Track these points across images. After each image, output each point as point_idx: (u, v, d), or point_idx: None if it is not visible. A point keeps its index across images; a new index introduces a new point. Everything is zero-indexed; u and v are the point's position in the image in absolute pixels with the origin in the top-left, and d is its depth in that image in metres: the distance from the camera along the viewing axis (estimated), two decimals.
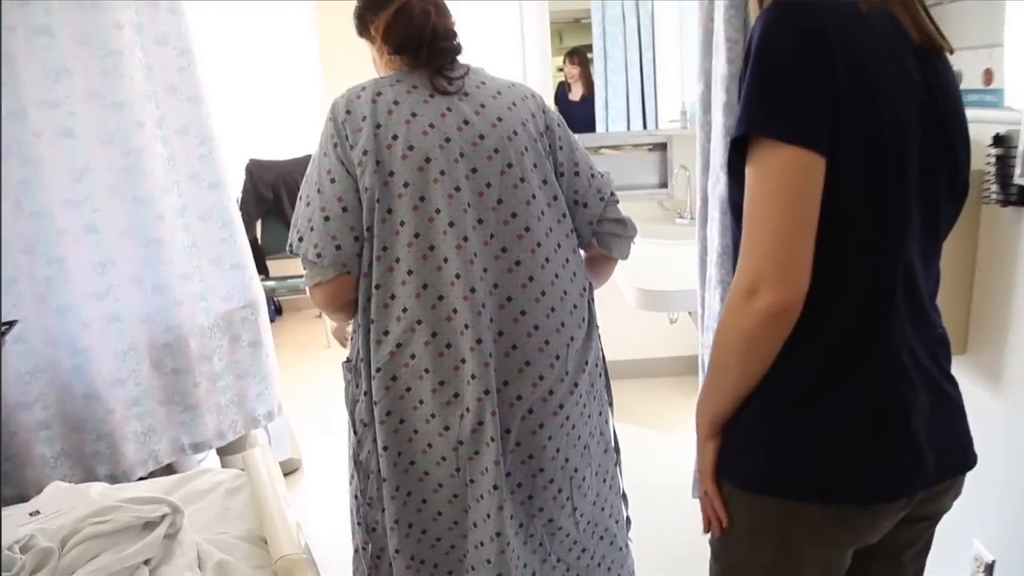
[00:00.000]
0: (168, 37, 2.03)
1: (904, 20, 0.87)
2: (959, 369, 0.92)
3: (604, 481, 1.41)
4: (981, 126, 1.30)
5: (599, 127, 3.61)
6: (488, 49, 3.25)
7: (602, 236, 1.36)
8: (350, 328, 1.37)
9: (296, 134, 4.55)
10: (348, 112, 1.20)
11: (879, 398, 0.87)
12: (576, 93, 3.70)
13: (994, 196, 1.27)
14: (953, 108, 0.90)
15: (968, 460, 0.96)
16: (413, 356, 1.21)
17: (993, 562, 1.41)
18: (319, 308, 1.30)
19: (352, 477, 1.34)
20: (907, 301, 0.88)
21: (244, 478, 1.51)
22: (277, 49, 4.53)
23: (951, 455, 0.93)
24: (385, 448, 1.24)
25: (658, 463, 2.79)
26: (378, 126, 1.18)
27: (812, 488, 0.88)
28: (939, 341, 0.94)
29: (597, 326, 1.39)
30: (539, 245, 1.24)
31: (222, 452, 2.38)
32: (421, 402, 1.23)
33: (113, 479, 2.05)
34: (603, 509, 1.41)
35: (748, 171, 0.83)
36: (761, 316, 0.82)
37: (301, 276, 4.12)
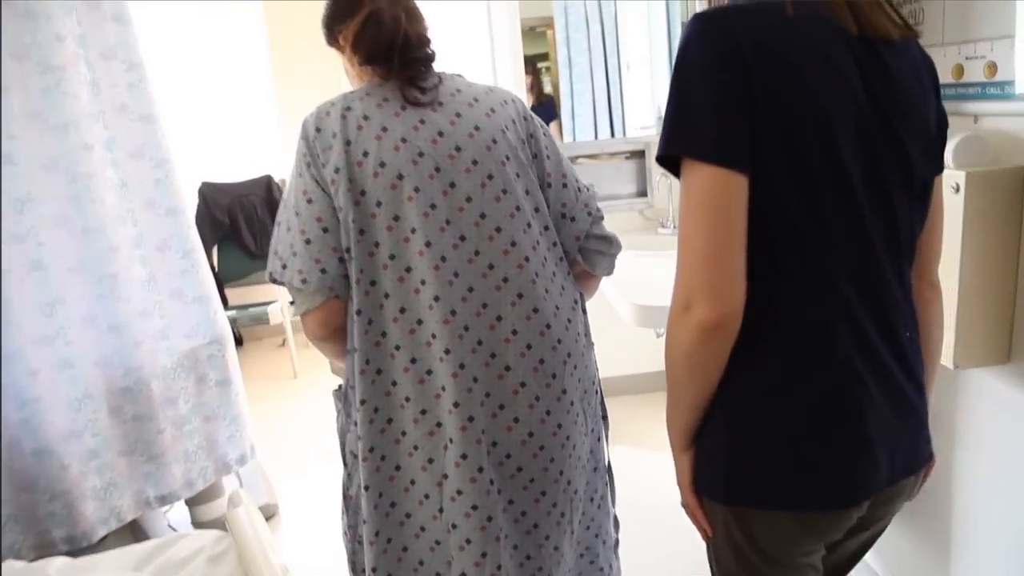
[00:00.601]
0: (115, 50, 1.85)
1: (841, 14, 0.84)
2: (1002, 379, 0.84)
3: (592, 500, 1.34)
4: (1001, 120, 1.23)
5: (566, 137, 3.52)
6: (458, 58, 3.13)
7: (588, 252, 1.30)
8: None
9: (250, 154, 4.35)
10: (318, 130, 1.14)
11: (830, 406, 0.87)
12: (527, 102, 3.65)
13: None
14: (900, 102, 0.87)
15: (919, 462, 0.96)
16: (394, 383, 1.16)
17: None
18: (311, 339, 1.20)
19: (343, 512, 1.27)
20: (864, 306, 0.87)
21: (228, 541, 1.33)
22: (226, 65, 4.33)
23: (904, 459, 0.93)
24: (367, 488, 1.17)
25: (653, 482, 2.68)
26: (348, 143, 1.12)
27: (767, 497, 0.88)
28: (909, 346, 0.93)
29: (592, 341, 1.32)
30: (527, 260, 1.17)
31: (191, 503, 2.18)
32: (404, 433, 1.17)
33: (71, 541, 1.84)
34: (588, 528, 1.36)
35: (680, 188, 0.84)
36: (697, 331, 0.82)
37: (262, 304, 3.97)
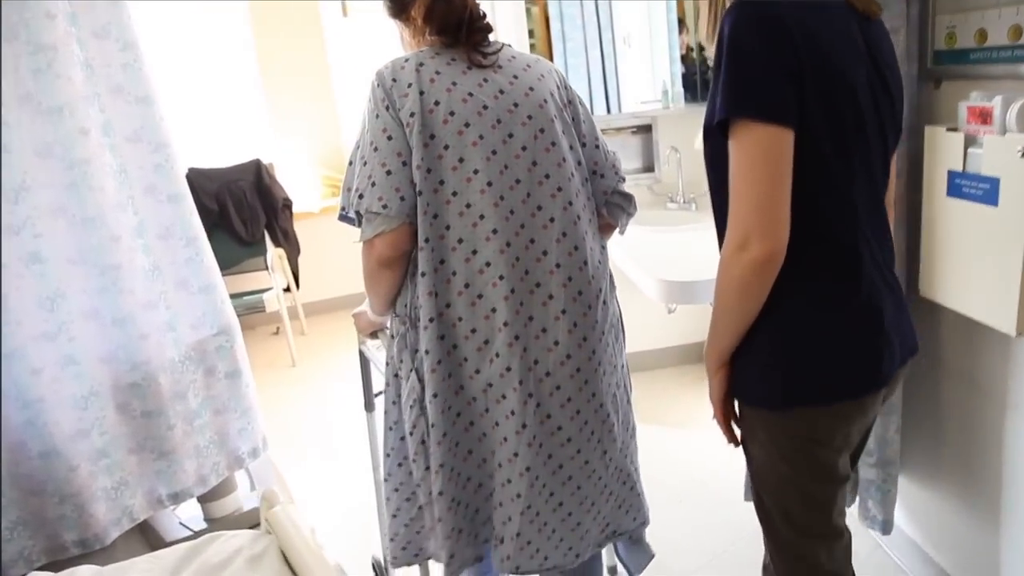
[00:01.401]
0: (108, 29, 1.74)
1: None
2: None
3: (627, 429, 1.51)
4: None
5: None
6: None
7: (612, 207, 1.47)
8: (386, 319, 1.50)
9: (236, 139, 4.24)
10: (394, 80, 1.28)
11: (862, 315, 1.09)
12: None
13: None
14: (888, 63, 1.12)
15: (916, 346, 1.22)
16: (448, 305, 1.31)
17: None
18: (375, 264, 1.32)
19: (410, 432, 1.39)
20: (872, 231, 1.11)
21: (265, 540, 1.27)
22: (209, 49, 4.20)
23: (906, 344, 1.18)
24: (435, 395, 1.32)
25: (678, 459, 2.65)
26: (422, 92, 1.26)
27: (821, 394, 1.08)
28: (891, 256, 1.19)
29: (615, 285, 1.50)
30: (570, 204, 1.34)
31: (203, 499, 2.11)
32: (455, 347, 1.33)
33: (83, 545, 1.77)
34: (626, 456, 1.51)
35: (732, 146, 1.00)
36: (752, 265, 1.00)
37: (255, 292, 3.87)
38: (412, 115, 1.25)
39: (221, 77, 4.26)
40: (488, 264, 1.28)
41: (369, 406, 1.93)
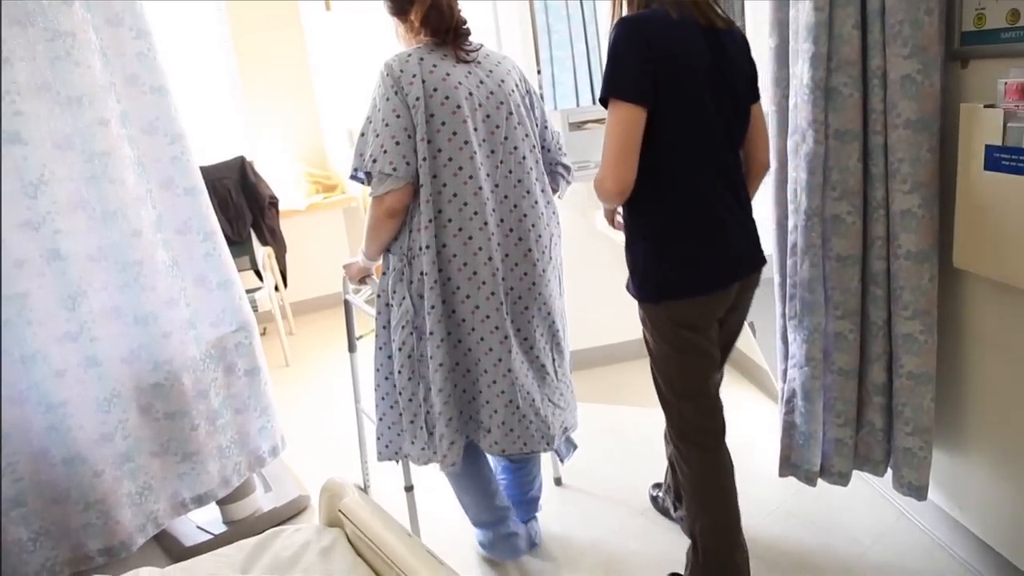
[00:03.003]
0: (122, 16, 1.68)
1: (697, 15, 1.50)
2: None
3: (564, 349, 1.94)
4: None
5: (547, 104, 3.42)
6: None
7: (554, 175, 1.92)
8: (373, 265, 1.88)
9: (216, 137, 4.13)
10: (402, 70, 1.63)
11: (712, 234, 1.56)
12: None
13: None
14: (730, 62, 1.54)
15: (761, 259, 1.66)
16: (444, 245, 1.68)
17: None
18: (381, 214, 1.67)
19: (398, 349, 1.75)
20: (716, 176, 1.56)
21: (332, 533, 1.23)
22: (188, 46, 4.09)
23: (752, 258, 1.64)
24: (433, 308, 1.68)
25: (635, 432, 2.66)
26: (424, 81, 1.63)
27: (681, 292, 1.57)
28: (743, 191, 1.64)
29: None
30: (531, 169, 1.77)
31: (223, 501, 2.05)
32: (449, 279, 1.70)
33: (109, 553, 1.71)
34: (567, 369, 1.96)
35: (607, 116, 1.46)
36: (605, 195, 1.51)
37: (248, 292, 3.77)
38: (418, 99, 1.61)
39: (199, 74, 4.14)
40: (475, 213, 1.68)
41: (352, 348, 2.27)
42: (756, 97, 1.64)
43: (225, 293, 1.91)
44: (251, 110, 4.33)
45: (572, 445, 2.07)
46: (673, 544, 2.00)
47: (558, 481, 2.37)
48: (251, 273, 3.86)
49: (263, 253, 3.84)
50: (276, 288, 3.90)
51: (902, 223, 1.58)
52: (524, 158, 1.75)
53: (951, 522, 1.88)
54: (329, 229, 4.52)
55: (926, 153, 1.55)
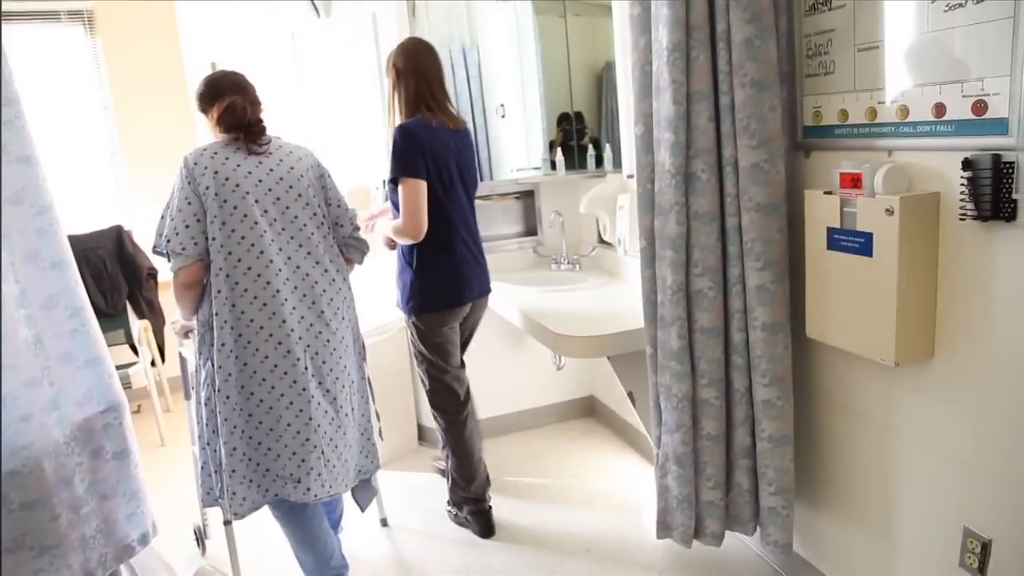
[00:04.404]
0: None
1: (447, 121, 2.40)
2: (929, 372, 1.00)
3: (364, 396, 2.32)
4: (939, 154, 1.45)
5: None
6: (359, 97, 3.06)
7: (349, 247, 2.27)
8: (193, 322, 2.13)
9: (94, 206, 3.96)
10: (195, 163, 1.98)
11: (452, 271, 2.44)
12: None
13: (969, 213, 1.37)
14: (464, 152, 2.48)
15: (488, 288, 2.62)
16: (243, 312, 1.99)
17: (989, 541, 1.48)
18: (180, 288, 2.00)
19: (204, 404, 2.08)
20: (464, 230, 2.47)
21: None
22: (64, 112, 3.94)
23: (481, 286, 2.57)
24: (230, 375, 2.00)
25: (571, 511, 2.70)
26: (216, 172, 1.98)
27: (431, 308, 2.46)
28: (478, 242, 2.55)
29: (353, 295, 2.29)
30: (319, 243, 2.14)
31: None
32: (249, 342, 2.00)
33: None
34: (363, 414, 2.31)
35: (400, 189, 2.29)
36: (407, 237, 2.33)
37: (121, 367, 3.56)
38: (207, 188, 1.95)
39: (77, 142, 4.00)
40: (268, 283, 1.99)
41: (187, 395, 2.54)
42: (475, 182, 2.56)
43: (93, 371, 1.81)
44: (131, 179, 4.20)
45: (371, 488, 2.44)
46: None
47: (384, 522, 2.79)
48: (126, 347, 3.67)
49: (139, 326, 3.67)
50: (152, 363, 3.71)
51: (757, 297, 1.72)
52: (312, 234, 2.10)
53: (817, 574, 2.00)
54: None
55: (775, 233, 1.71)
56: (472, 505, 2.63)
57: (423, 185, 2.24)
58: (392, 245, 2.51)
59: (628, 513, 2.62)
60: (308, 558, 2.20)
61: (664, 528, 1.98)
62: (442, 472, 2.84)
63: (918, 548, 1.65)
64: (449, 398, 2.57)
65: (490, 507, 2.66)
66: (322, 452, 2.04)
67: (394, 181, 2.23)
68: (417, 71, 2.34)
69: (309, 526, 2.18)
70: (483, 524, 2.62)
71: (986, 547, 1.48)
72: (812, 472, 1.93)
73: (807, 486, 1.95)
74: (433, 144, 2.29)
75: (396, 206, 2.37)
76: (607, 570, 2.27)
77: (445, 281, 2.40)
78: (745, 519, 1.90)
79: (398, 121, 2.34)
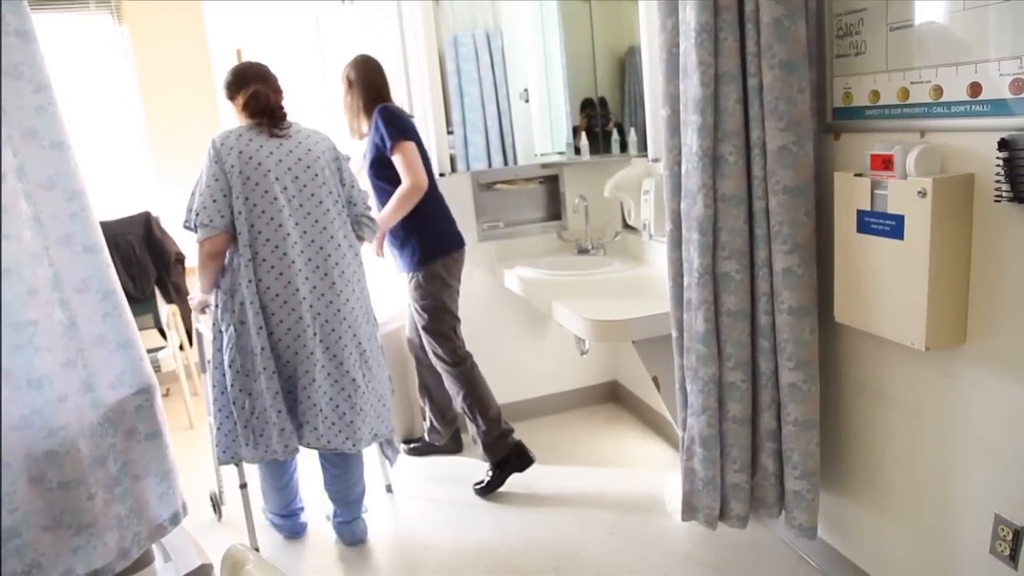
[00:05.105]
0: (21, 69, 1.65)
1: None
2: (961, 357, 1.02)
3: (379, 363, 2.49)
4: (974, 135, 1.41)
5: (459, 165, 3.51)
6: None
7: (360, 225, 2.47)
8: (211, 297, 2.35)
9: (124, 192, 4.02)
10: (222, 144, 2.20)
11: (448, 218, 2.87)
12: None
13: (1005, 195, 1.34)
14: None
15: (462, 240, 2.92)
16: (260, 280, 2.22)
17: (1021, 528, 1.46)
18: (204, 256, 2.23)
19: (228, 366, 2.28)
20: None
21: None
22: (93, 98, 4.00)
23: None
24: (260, 329, 2.23)
25: (597, 495, 2.71)
26: (240, 152, 2.20)
27: (443, 250, 2.78)
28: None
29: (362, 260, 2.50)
30: (334, 219, 2.33)
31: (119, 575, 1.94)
32: (264, 307, 2.24)
33: None
34: (380, 381, 2.50)
35: (399, 151, 2.63)
36: (415, 193, 2.65)
37: (150, 351, 3.63)
38: (232, 166, 2.17)
39: (106, 128, 4.06)
40: (285, 254, 2.21)
41: (204, 369, 2.63)
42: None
43: (125, 353, 1.85)
44: (158, 165, 4.25)
45: (394, 450, 2.65)
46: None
47: (388, 488, 2.91)
48: (155, 332, 3.73)
49: (167, 311, 3.73)
50: (180, 347, 3.77)
51: (784, 280, 1.71)
52: (328, 210, 2.31)
53: (844, 561, 1.99)
54: None
55: (803, 216, 1.70)
56: (508, 437, 2.76)
57: (415, 146, 2.60)
58: (380, 249, 2.79)
59: (652, 496, 2.62)
60: (274, 496, 2.54)
61: (689, 510, 1.99)
62: (475, 440, 2.83)
63: (947, 535, 1.63)
64: (463, 346, 2.81)
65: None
66: (320, 409, 2.28)
67: (385, 157, 2.61)
68: (367, 81, 2.74)
69: (283, 473, 2.50)
70: (523, 453, 2.75)
71: (1018, 534, 1.46)
72: (839, 457, 1.92)
73: (834, 471, 1.94)
74: (405, 119, 2.72)
75: (382, 190, 2.73)
76: (631, 552, 2.27)
77: (446, 227, 2.79)
78: (770, 502, 1.90)
79: (362, 119, 2.76)
